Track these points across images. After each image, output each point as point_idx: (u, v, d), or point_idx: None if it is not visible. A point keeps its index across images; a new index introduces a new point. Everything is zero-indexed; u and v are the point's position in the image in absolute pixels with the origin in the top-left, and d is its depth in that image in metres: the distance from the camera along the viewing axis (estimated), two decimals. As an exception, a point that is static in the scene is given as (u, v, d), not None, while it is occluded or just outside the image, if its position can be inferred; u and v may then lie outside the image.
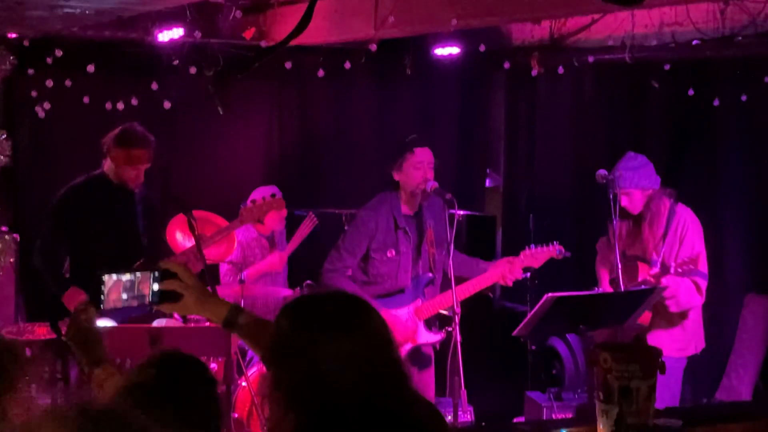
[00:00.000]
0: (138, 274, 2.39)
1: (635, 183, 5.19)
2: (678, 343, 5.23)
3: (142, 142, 5.13)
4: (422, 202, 5.16)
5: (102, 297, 2.37)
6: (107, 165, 5.17)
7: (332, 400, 2.01)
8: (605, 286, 5.40)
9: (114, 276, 2.37)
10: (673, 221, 5.20)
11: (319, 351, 2.02)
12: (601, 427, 3.06)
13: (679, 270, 5.06)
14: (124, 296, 2.38)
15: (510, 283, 5.19)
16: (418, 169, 5.04)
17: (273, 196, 5.23)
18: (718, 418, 3.73)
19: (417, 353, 5.19)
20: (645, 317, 5.14)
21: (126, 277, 2.37)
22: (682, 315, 5.21)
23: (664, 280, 5.05)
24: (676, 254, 5.16)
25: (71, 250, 5.16)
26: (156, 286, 2.39)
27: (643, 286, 5.07)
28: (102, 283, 2.36)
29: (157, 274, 2.39)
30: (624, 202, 5.24)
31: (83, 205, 5.15)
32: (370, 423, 2.03)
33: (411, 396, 2.14)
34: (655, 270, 5.11)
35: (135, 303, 2.39)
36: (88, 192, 5.17)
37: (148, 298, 2.40)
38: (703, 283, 5.13)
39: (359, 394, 2.02)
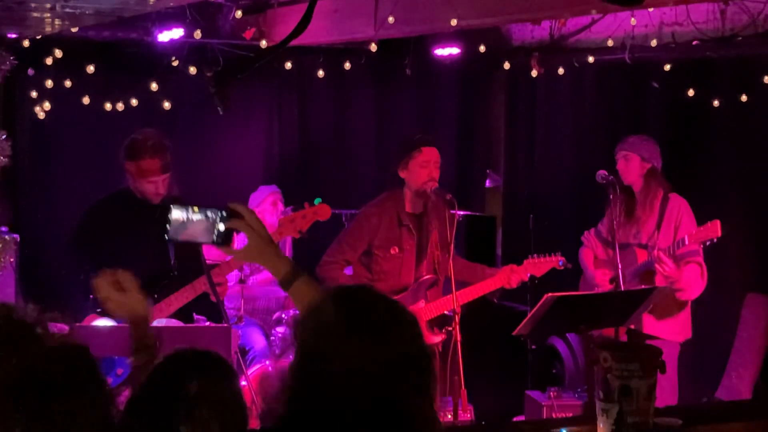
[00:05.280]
0: (206, 212, 2.40)
1: (637, 149, 5.32)
2: (673, 327, 5.31)
3: (151, 150, 4.64)
4: (428, 204, 5.15)
5: (168, 227, 2.40)
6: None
7: (348, 402, 1.98)
8: (592, 270, 5.43)
9: (181, 211, 2.40)
10: (666, 209, 5.29)
11: (355, 348, 1.98)
12: (601, 426, 3.05)
13: (686, 260, 5.16)
14: (189, 232, 2.40)
15: (514, 286, 5.22)
16: (425, 167, 5.04)
17: (314, 202, 4.72)
18: (718, 417, 3.72)
19: None
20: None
21: (193, 214, 2.40)
22: (679, 301, 5.31)
23: (682, 269, 5.13)
24: (672, 242, 5.23)
25: (96, 273, 4.68)
26: (222, 226, 2.39)
27: (644, 269, 5.17)
28: (169, 212, 2.40)
29: (224, 213, 2.39)
30: (620, 165, 5.36)
31: (105, 225, 4.73)
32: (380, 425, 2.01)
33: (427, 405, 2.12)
34: (657, 253, 5.16)
35: (199, 239, 2.41)
36: (110, 210, 4.77)
37: (213, 237, 2.40)
38: (703, 264, 5.25)
39: (379, 399, 1.99)
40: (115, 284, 2.44)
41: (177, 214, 2.40)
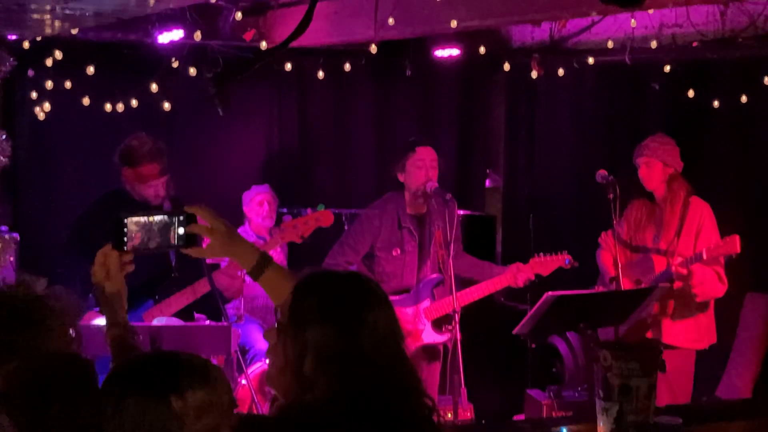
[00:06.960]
0: (162, 217, 2.36)
1: (658, 154, 5.21)
2: (692, 334, 5.24)
3: (149, 156, 4.62)
4: (429, 204, 5.16)
5: (124, 239, 2.34)
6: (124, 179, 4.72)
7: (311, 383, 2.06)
8: (611, 272, 5.40)
9: (136, 219, 2.34)
10: (688, 214, 5.21)
11: (316, 329, 2.07)
12: (601, 425, 3.06)
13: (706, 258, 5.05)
14: (148, 240, 2.35)
15: (521, 285, 5.22)
16: (420, 167, 5.06)
17: (318, 208, 4.70)
18: (718, 416, 3.73)
19: (426, 349, 5.19)
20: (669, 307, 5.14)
21: (149, 219, 2.35)
22: (700, 307, 5.23)
23: (693, 268, 5.03)
24: (693, 248, 5.15)
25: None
26: (181, 230, 2.36)
27: (662, 279, 5.10)
28: (123, 225, 2.33)
29: (182, 218, 2.37)
30: (642, 171, 5.25)
31: (100, 227, 4.56)
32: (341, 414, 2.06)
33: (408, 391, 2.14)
34: (679, 259, 5.08)
35: (160, 246, 2.38)
36: (105, 212, 4.42)
37: (174, 242, 2.37)
38: (723, 273, 5.14)
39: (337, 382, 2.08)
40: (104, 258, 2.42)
41: (131, 223, 2.34)
